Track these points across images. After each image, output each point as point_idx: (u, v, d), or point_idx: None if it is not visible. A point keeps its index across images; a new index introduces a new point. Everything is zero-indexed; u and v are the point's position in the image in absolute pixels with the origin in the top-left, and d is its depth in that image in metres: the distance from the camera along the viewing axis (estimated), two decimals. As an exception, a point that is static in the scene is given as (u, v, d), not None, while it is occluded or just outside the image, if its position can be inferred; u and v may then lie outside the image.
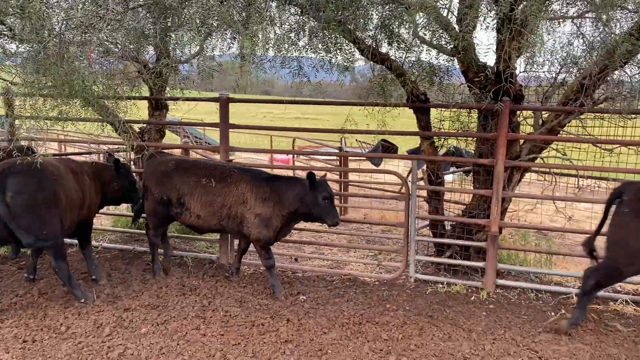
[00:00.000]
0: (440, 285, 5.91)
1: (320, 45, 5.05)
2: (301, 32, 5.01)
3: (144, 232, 7.44)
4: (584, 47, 5.01)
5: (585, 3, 5.14)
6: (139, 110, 6.86)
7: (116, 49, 5.62)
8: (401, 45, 5.48)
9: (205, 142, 16.91)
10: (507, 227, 6.40)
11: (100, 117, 5.74)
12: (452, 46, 5.41)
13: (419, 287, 5.94)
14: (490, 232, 5.67)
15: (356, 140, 11.92)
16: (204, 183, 5.65)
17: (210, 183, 5.63)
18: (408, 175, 6.94)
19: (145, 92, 7.13)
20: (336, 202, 9.76)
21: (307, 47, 5.18)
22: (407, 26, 5.24)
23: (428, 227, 6.56)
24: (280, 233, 5.71)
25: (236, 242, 6.82)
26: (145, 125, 7.32)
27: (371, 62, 5.27)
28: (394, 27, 5.16)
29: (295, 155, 12.87)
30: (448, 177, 7.46)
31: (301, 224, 6.79)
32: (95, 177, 5.83)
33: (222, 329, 4.72)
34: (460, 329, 4.83)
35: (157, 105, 7.20)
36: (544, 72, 5.78)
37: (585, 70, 5.24)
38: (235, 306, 5.26)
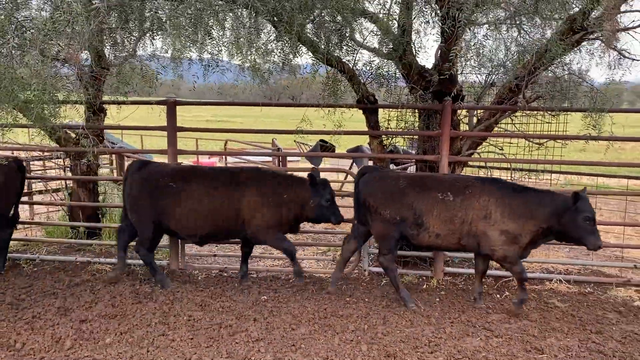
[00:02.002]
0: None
1: (277, 49, 5.13)
2: (256, 35, 5.06)
3: (83, 242, 7.17)
4: (515, 51, 5.48)
5: (506, 12, 5.63)
6: (79, 115, 6.60)
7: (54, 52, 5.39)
8: (350, 50, 5.71)
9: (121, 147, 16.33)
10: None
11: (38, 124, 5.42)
12: (392, 50, 5.73)
13: (374, 279, 6.20)
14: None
15: (294, 140, 12.07)
16: (441, 198, 5.11)
17: (447, 197, 5.11)
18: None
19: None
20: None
21: (262, 49, 5.24)
22: (358, 32, 5.48)
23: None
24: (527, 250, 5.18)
25: (186, 247, 6.75)
26: (81, 130, 7.00)
27: (326, 66, 5.44)
28: (346, 32, 5.35)
29: (226, 158, 12.81)
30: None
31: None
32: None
33: (189, 333, 4.68)
34: (419, 316, 5.13)
35: (95, 110, 6.92)
36: (478, 74, 6.25)
37: (517, 71, 5.75)
38: (197, 310, 5.22)
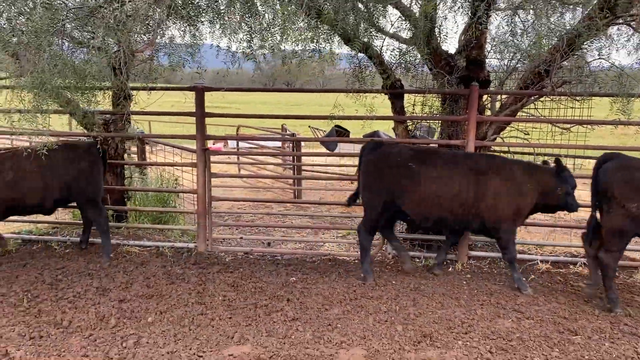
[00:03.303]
0: (418, 260, 6.33)
1: (308, 35, 5.16)
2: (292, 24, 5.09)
3: (111, 224, 7.30)
4: (544, 35, 5.50)
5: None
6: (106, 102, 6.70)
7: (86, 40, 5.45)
8: (377, 37, 5.76)
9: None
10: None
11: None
12: (417, 36, 5.75)
13: (398, 262, 6.32)
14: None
15: (309, 126, 12.14)
16: None
17: None
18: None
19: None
20: (292, 185, 10.02)
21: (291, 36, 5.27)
22: (383, 18, 5.52)
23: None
24: None
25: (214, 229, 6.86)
26: (109, 115, 7.10)
27: (356, 52, 5.49)
28: (375, 19, 5.39)
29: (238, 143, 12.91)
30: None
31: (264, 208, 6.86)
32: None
33: (227, 312, 4.83)
34: (449, 298, 5.26)
35: (125, 96, 6.99)
36: (504, 59, 6.28)
37: (544, 56, 5.78)
38: (230, 291, 5.36)
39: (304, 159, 10.24)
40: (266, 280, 5.66)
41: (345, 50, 5.63)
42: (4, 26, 3.91)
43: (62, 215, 8.15)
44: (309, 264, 6.28)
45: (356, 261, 6.41)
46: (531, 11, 5.56)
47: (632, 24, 5.70)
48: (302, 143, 10.75)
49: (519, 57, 6.20)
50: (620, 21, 5.76)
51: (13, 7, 3.80)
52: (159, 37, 5.74)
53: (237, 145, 11.98)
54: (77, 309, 4.88)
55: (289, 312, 4.82)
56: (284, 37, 4.89)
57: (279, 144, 12.48)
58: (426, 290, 5.45)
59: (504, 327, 4.64)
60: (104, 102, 6.58)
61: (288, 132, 11.34)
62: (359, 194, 5.91)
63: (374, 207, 5.63)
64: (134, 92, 6.94)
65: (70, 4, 3.88)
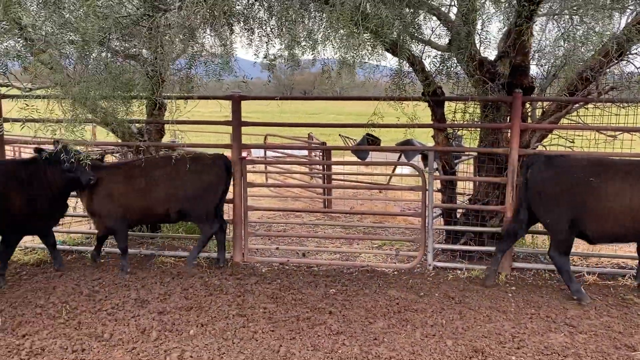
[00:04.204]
0: (460, 272, 6.17)
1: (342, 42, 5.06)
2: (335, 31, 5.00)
3: (145, 234, 7.28)
4: (594, 41, 5.34)
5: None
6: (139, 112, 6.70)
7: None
8: (419, 44, 5.66)
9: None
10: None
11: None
12: (455, 42, 5.63)
13: (439, 274, 6.16)
14: (507, 217, 5.97)
15: (339, 135, 12.05)
16: None
17: None
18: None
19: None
20: (322, 194, 9.94)
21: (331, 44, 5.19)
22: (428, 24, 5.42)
23: (441, 217, 6.79)
24: None
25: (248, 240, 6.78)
26: (144, 125, 7.10)
27: (398, 59, 5.38)
28: (417, 26, 5.30)
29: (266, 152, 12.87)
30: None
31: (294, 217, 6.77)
32: None
33: (270, 325, 4.72)
34: (496, 311, 5.08)
35: (157, 105, 6.99)
36: (546, 65, 6.13)
37: (591, 62, 5.61)
38: (270, 303, 5.26)
39: (333, 167, 10.15)
40: (305, 292, 5.54)
41: (385, 58, 5.53)
42: (54, 35, 3.90)
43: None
44: (347, 276, 6.16)
45: (395, 272, 6.27)
46: (575, 16, 5.41)
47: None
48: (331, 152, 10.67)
49: (559, 63, 6.05)
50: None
51: (59, 16, 3.78)
52: (192, 47, 5.74)
53: (265, 154, 11.92)
54: (117, 321, 4.82)
55: (333, 325, 4.69)
56: (326, 44, 4.82)
57: (306, 152, 12.41)
58: (471, 303, 5.28)
59: (557, 341, 4.46)
60: (138, 111, 6.60)
61: (316, 141, 11.26)
62: (520, 215, 5.64)
63: (562, 228, 5.29)
64: (167, 101, 6.94)
65: (116, 14, 3.85)
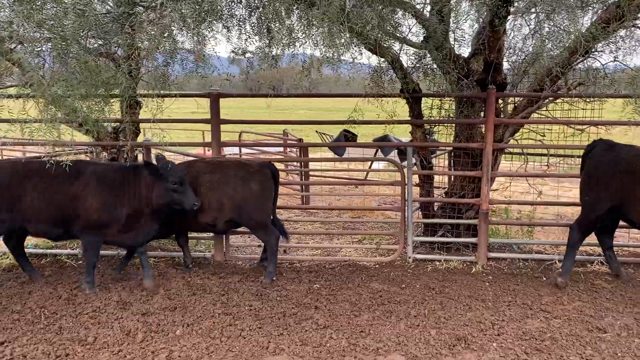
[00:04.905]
0: (438, 263, 6.33)
1: (326, 41, 5.13)
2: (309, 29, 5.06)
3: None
4: (564, 38, 5.55)
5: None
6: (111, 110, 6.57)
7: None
8: (397, 42, 5.76)
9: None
10: (496, 204, 6.92)
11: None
12: (430, 39, 5.76)
13: (419, 266, 6.31)
14: (482, 209, 6.16)
15: (316, 131, 12.10)
16: None
17: None
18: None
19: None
20: (299, 191, 9.99)
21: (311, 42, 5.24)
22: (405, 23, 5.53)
23: (419, 210, 6.94)
24: None
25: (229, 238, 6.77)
26: (119, 124, 6.99)
27: (378, 57, 5.47)
28: (395, 25, 5.40)
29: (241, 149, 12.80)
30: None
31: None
32: None
33: (257, 322, 4.75)
34: (475, 300, 5.26)
35: (132, 104, 6.89)
36: (517, 62, 6.32)
37: (559, 59, 5.82)
38: (255, 300, 5.29)
39: (311, 164, 10.20)
40: (290, 288, 5.60)
41: (362, 54, 5.60)
42: (33, 34, 3.81)
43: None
44: (330, 270, 6.24)
45: (376, 265, 6.38)
46: (542, 14, 5.61)
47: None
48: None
49: (529, 60, 6.26)
50: (631, 24, 5.84)
51: (37, 12, 3.69)
52: (171, 44, 5.69)
53: (240, 151, 11.88)
54: (100, 324, 4.76)
55: (320, 320, 4.77)
56: (306, 42, 4.87)
57: (280, 149, 12.40)
58: (451, 293, 5.45)
59: (534, 327, 4.65)
60: (113, 110, 6.48)
61: (292, 137, 11.28)
62: None
63: (596, 210, 5.40)
64: (143, 99, 6.84)
65: (97, 11, 3.80)
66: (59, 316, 4.94)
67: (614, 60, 5.53)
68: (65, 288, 5.64)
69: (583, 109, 6.50)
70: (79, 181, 5.32)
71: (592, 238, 6.44)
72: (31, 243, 7.19)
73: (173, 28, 5.14)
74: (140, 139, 7.62)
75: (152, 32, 4.85)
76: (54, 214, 5.35)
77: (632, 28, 5.78)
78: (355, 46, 4.64)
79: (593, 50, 5.65)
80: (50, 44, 3.87)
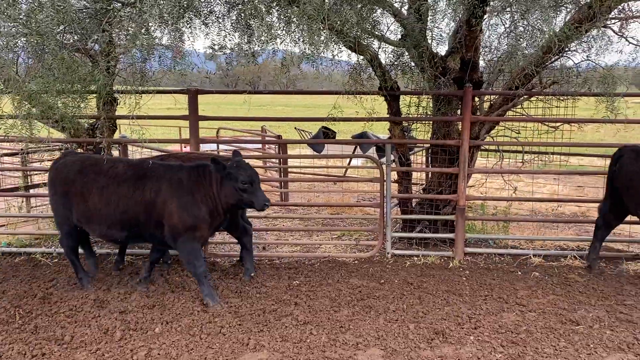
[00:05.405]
0: (416, 258, 6.41)
1: (306, 39, 5.14)
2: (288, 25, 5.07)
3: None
4: (538, 37, 5.66)
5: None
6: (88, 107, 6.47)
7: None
8: (376, 40, 5.81)
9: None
10: (473, 200, 7.04)
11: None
12: (408, 37, 5.81)
13: (397, 261, 6.38)
14: (459, 205, 6.25)
15: (295, 128, 12.10)
16: None
17: None
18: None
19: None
20: (278, 188, 9.99)
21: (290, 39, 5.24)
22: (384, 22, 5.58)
23: (397, 206, 7.01)
24: None
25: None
26: (95, 120, 6.88)
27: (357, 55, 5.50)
28: (374, 23, 5.44)
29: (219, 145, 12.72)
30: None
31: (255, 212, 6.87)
32: None
33: (236, 319, 4.75)
34: (452, 294, 5.34)
35: (109, 100, 6.79)
36: (497, 60, 6.42)
37: (534, 58, 5.94)
38: (235, 297, 5.29)
39: (290, 161, 10.19)
40: (269, 285, 5.60)
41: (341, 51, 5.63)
42: (8, 29, 3.72)
43: (43, 225, 7.87)
44: (309, 267, 6.26)
45: (355, 261, 6.43)
46: (516, 14, 5.72)
47: (612, 27, 5.96)
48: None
49: (504, 58, 6.36)
50: (602, 24, 5.99)
51: (14, 8, 3.62)
52: (148, 40, 5.63)
53: (217, 147, 11.80)
54: (76, 323, 4.71)
55: (300, 316, 4.79)
56: (285, 39, 4.88)
57: (258, 145, 12.33)
58: (429, 287, 5.52)
59: (509, 320, 4.75)
60: (89, 106, 6.38)
61: (270, 134, 11.26)
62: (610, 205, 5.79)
63: None
64: (119, 96, 6.75)
65: (74, 7, 3.74)
66: (34, 315, 4.88)
67: (587, 59, 5.66)
68: (40, 287, 5.55)
69: (557, 107, 6.64)
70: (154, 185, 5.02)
71: (567, 233, 6.60)
72: (4, 241, 7.06)
73: (151, 25, 5.12)
74: (117, 135, 7.54)
75: (130, 29, 4.81)
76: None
77: (603, 28, 5.94)
78: (334, 44, 4.66)
79: (566, 49, 5.78)
80: (24, 39, 3.78)
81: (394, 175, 6.72)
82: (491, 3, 5.37)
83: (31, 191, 8.43)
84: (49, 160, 9.40)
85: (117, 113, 7.00)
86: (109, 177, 5.11)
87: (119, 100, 6.92)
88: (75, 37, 5.25)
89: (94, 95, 5.66)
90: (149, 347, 4.26)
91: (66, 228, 5.42)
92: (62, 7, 3.53)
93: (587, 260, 6.04)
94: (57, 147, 7.46)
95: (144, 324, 4.67)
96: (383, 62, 5.90)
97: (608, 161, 6.13)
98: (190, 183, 5.04)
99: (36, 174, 9.03)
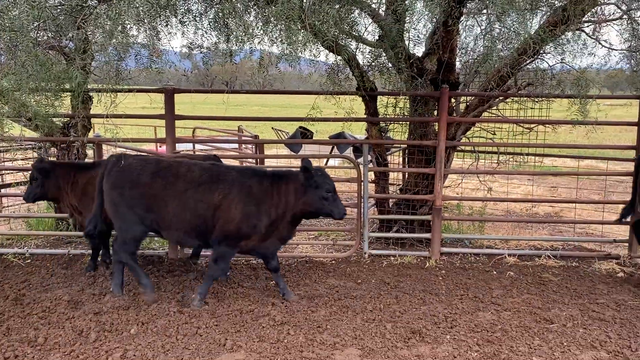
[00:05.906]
0: (393, 258, 6.45)
1: (284, 38, 5.14)
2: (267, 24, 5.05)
3: (73, 234, 6.95)
4: (513, 40, 5.76)
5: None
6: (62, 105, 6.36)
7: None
8: (353, 41, 5.83)
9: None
10: (449, 200, 7.11)
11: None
12: (386, 38, 5.85)
13: (374, 261, 6.41)
14: (435, 205, 6.32)
15: (272, 128, 12.06)
16: None
17: None
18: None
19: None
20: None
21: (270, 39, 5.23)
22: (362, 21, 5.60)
23: (374, 206, 7.05)
24: None
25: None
26: (69, 119, 6.76)
27: (336, 55, 5.52)
28: (352, 24, 5.46)
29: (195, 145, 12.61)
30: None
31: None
32: None
33: (213, 320, 4.71)
34: (428, 294, 5.39)
35: (83, 98, 6.68)
36: (473, 62, 6.52)
37: (509, 60, 6.04)
38: (211, 298, 5.24)
39: (267, 161, 10.15)
40: (246, 286, 5.58)
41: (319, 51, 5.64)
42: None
43: (15, 225, 7.72)
44: (287, 267, 6.25)
45: (332, 261, 6.44)
46: (492, 16, 5.81)
47: (584, 29, 6.10)
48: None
49: (480, 60, 6.46)
50: (575, 27, 6.13)
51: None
52: (125, 38, 5.55)
53: (194, 147, 11.69)
54: (50, 324, 4.61)
55: (277, 316, 4.77)
56: (263, 38, 4.86)
57: (234, 145, 12.26)
58: (406, 287, 5.57)
59: (485, 319, 4.82)
60: (63, 105, 6.27)
61: (247, 134, 11.21)
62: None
63: None
64: (94, 94, 6.65)
65: (49, 3, 3.66)
66: (6, 317, 4.76)
67: (561, 62, 5.78)
68: (12, 288, 5.44)
69: (532, 108, 6.77)
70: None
71: (541, 233, 6.71)
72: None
73: (127, 23, 5.04)
74: (90, 134, 7.42)
75: (107, 26, 4.74)
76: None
77: (577, 31, 6.07)
78: (312, 44, 4.66)
79: (541, 51, 5.89)
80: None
81: (371, 176, 6.75)
82: (468, 5, 5.44)
83: (2, 191, 8.24)
84: (21, 159, 9.23)
85: (91, 112, 6.91)
86: (187, 182, 4.95)
87: (93, 99, 6.84)
88: (50, 34, 5.16)
89: (69, 93, 5.53)
90: (124, 348, 4.20)
91: (133, 233, 5.12)
92: (37, 3, 3.45)
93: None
94: (30, 145, 7.33)
95: (119, 325, 4.60)
96: (361, 62, 5.94)
97: (580, 162, 6.26)
98: (259, 192, 4.96)
99: (8, 174, 8.84)
